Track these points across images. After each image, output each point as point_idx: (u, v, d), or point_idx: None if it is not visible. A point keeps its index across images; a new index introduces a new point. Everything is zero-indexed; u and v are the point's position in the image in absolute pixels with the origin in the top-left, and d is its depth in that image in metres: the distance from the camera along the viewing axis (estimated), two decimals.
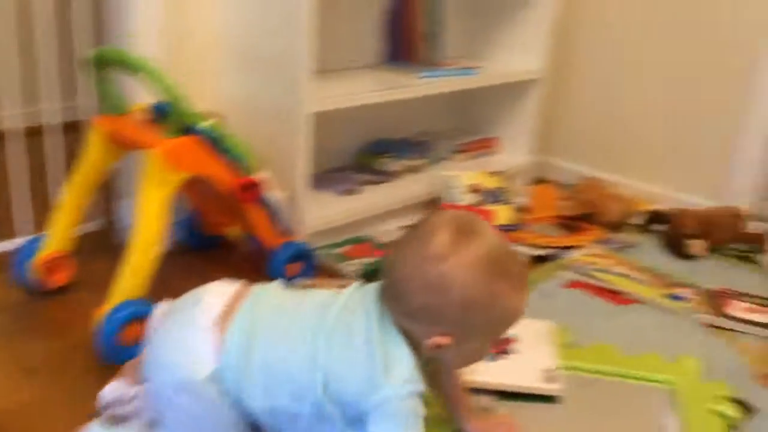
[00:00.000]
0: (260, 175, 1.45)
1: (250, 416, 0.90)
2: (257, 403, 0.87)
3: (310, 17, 1.47)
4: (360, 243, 1.77)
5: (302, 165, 1.60)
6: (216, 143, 1.36)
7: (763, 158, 1.87)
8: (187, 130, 1.32)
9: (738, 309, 1.46)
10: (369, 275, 1.61)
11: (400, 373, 0.84)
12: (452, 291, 0.81)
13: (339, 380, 0.85)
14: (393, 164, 2.01)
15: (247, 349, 0.87)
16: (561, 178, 2.28)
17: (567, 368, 1.24)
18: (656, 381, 1.23)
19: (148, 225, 1.28)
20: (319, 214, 1.74)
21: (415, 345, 0.86)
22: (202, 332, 0.88)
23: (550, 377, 1.19)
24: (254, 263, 1.58)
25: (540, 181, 2.27)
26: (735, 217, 1.80)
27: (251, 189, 1.43)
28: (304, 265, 1.55)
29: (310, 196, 1.78)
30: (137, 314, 1.22)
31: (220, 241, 1.73)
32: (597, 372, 1.25)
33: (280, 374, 0.87)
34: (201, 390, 0.86)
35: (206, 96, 1.70)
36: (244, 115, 1.68)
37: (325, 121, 1.91)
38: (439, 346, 0.85)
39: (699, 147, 2.01)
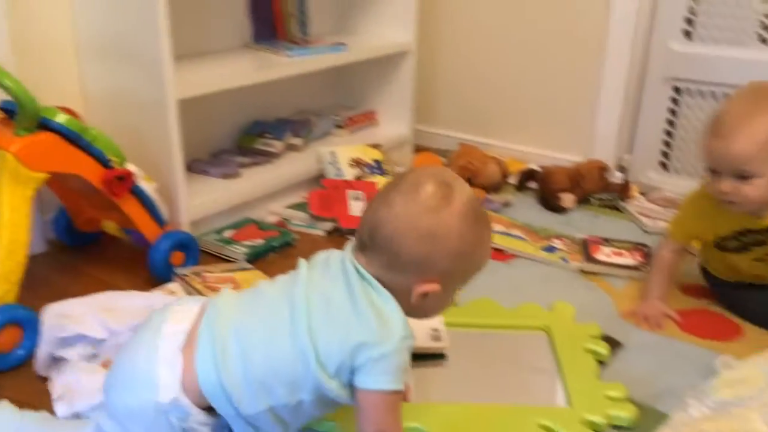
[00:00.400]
0: (128, 167, 1.40)
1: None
2: (252, 409, 0.85)
3: (164, 3, 1.43)
4: (246, 226, 1.76)
5: (175, 153, 1.56)
6: (75, 138, 1.31)
7: (621, 114, 2.00)
8: (41, 127, 1.27)
9: (604, 254, 1.57)
10: (258, 257, 1.61)
11: (396, 329, 0.85)
12: (446, 240, 0.86)
13: (334, 354, 0.84)
14: (273, 145, 2.00)
15: (223, 362, 0.85)
16: (441, 146, 2.34)
17: (452, 325, 1.29)
18: (534, 328, 1.31)
19: (12, 228, 1.22)
20: (200, 200, 1.71)
21: (398, 297, 0.88)
22: (165, 360, 0.85)
23: (435, 336, 1.24)
24: (136, 256, 1.54)
25: (421, 149, 2.32)
26: (600, 169, 1.93)
27: (120, 182, 1.39)
28: (187, 253, 1.53)
29: (188, 182, 1.75)
30: (12, 320, 1.18)
31: (98, 236, 1.67)
32: (479, 326, 1.31)
33: (266, 373, 0.85)
34: (158, 419, 0.84)
35: (67, 91, 1.64)
36: (110, 107, 1.63)
37: (200, 106, 1.87)
38: (425, 294, 0.88)
39: (564, 107, 2.12)
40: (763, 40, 1.74)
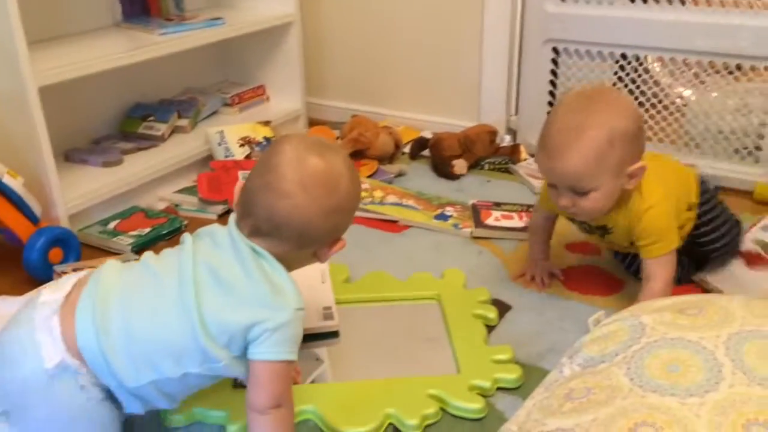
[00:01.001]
0: None
1: (132, 405, 0.87)
2: (135, 382, 0.84)
3: None
4: (133, 215, 1.69)
5: (43, 144, 1.47)
6: None
7: (506, 77, 2.03)
8: None
9: (493, 218, 1.60)
10: (145, 246, 1.55)
11: (291, 300, 0.87)
12: (350, 205, 0.93)
13: (225, 325, 0.84)
14: (157, 127, 1.93)
15: (104, 331, 0.82)
16: (335, 118, 2.32)
17: (344, 303, 1.29)
18: (426, 298, 1.32)
19: None
20: (80, 191, 1.63)
21: (300, 262, 0.94)
22: (42, 325, 0.83)
23: (327, 314, 1.23)
24: (13, 256, 1.46)
25: (314, 123, 2.29)
26: (490, 133, 1.95)
27: None
28: (66, 249, 1.45)
29: (66, 173, 1.67)
30: None
31: None
32: (372, 300, 1.32)
33: (151, 346, 0.84)
34: (52, 386, 0.81)
35: None
36: None
37: (74, 91, 1.78)
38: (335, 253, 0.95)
39: (451, 72, 2.13)
40: None
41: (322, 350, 1.18)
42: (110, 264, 0.92)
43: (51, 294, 0.87)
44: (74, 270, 1.38)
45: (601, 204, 1.16)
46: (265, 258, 0.88)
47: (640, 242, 1.20)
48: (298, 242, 0.90)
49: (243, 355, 0.88)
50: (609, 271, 1.44)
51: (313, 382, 1.13)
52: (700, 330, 0.84)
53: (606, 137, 1.09)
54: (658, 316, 0.90)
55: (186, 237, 0.92)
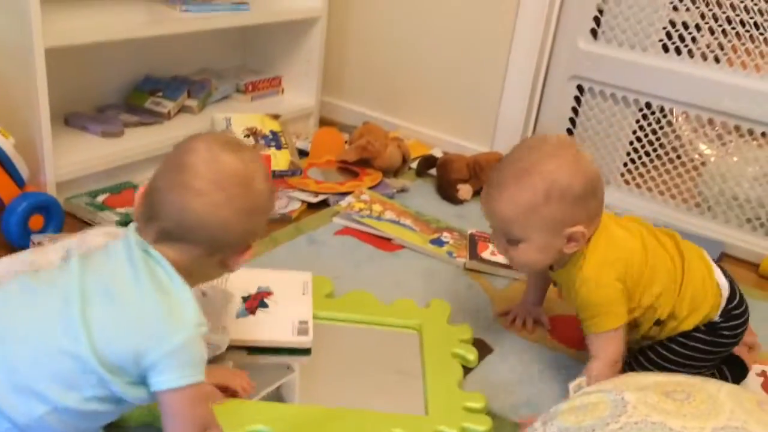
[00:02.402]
0: None
1: None
2: (25, 418, 0.76)
3: None
4: (124, 191, 1.65)
5: (41, 105, 1.42)
6: None
7: (525, 107, 1.98)
8: None
9: (489, 251, 1.55)
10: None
11: (189, 317, 0.80)
12: (263, 208, 0.88)
13: (116, 349, 0.77)
14: (164, 104, 1.88)
15: None
16: (347, 120, 2.27)
17: (322, 319, 1.25)
18: (406, 327, 1.27)
19: None
20: (73, 159, 1.59)
21: (207, 274, 0.90)
22: None
23: (303, 329, 1.18)
24: None
25: (325, 123, 2.24)
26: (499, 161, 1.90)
27: None
28: (47, 218, 1.41)
29: (62, 139, 1.62)
30: None
31: None
32: (350, 321, 1.27)
33: (37, 376, 0.76)
34: None
35: None
36: None
37: (85, 55, 1.73)
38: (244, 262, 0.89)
39: (472, 94, 2.08)
40: (665, 49, 1.74)
41: (294, 359, 1.14)
42: None
43: None
44: (51, 240, 1.33)
45: (533, 259, 1.09)
46: (161, 264, 0.81)
47: (579, 315, 1.12)
48: (209, 247, 0.84)
49: (141, 382, 0.79)
50: None
51: (278, 389, 1.09)
52: (685, 418, 0.79)
53: (543, 189, 1.02)
54: (642, 395, 0.84)
55: (71, 253, 0.87)
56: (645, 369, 1.15)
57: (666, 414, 0.80)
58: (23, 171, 1.38)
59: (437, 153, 2.03)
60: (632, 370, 1.16)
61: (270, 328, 1.18)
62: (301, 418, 1.02)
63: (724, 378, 1.20)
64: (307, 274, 1.32)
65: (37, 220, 1.39)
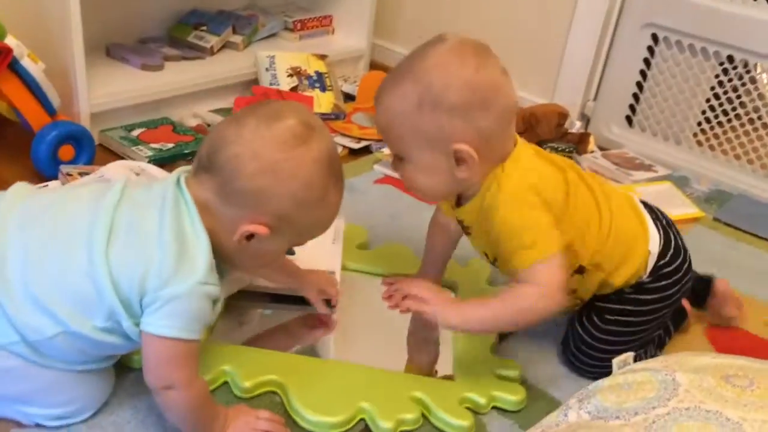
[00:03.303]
0: (7, 41, 1.22)
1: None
2: (36, 335, 0.74)
3: None
4: (160, 126, 1.59)
5: (75, 32, 1.36)
6: None
7: (592, 57, 1.82)
8: None
9: None
10: (163, 162, 1.45)
11: (196, 271, 0.76)
12: (289, 181, 0.78)
13: (125, 283, 0.75)
14: (208, 39, 1.80)
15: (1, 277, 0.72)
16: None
17: (352, 270, 1.17)
18: (442, 285, 1.17)
19: None
20: (109, 90, 1.54)
21: (219, 236, 0.79)
22: None
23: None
24: (24, 146, 1.37)
25: (376, 68, 2.13)
26: (559, 115, 1.76)
27: None
28: (78, 148, 1.36)
29: (100, 69, 1.57)
30: None
31: None
32: (382, 275, 1.18)
33: (56, 293, 0.74)
34: None
35: None
36: None
37: None
38: (250, 236, 0.79)
39: (533, 40, 1.92)
40: None
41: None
42: (14, 194, 0.81)
43: None
44: (81, 174, 1.29)
45: (421, 182, 0.91)
46: (191, 213, 0.78)
47: (502, 253, 0.91)
48: (222, 180, 0.78)
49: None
50: None
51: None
52: (745, 409, 0.68)
53: (416, 95, 0.85)
54: (697, 377, 0.74)
55: (119, 179, 0.84)
56: (576, 336, 1.03)
57: (723, 402, 0.69)
58: (54, 99, 1.33)
59: None
60: (565, 341, 1.05)
61: None
62: (320, 373, 0.95)
63: (668, 332, 1.10)
64: (339, 221, 1.23)
65: (67, 150, 1.35)
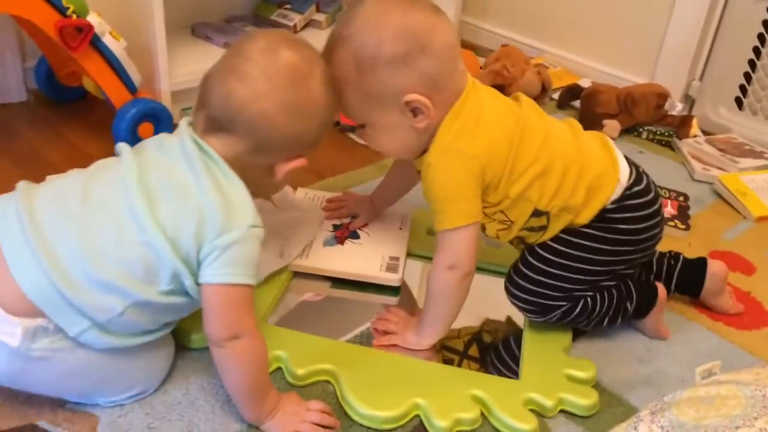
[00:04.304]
0: (89, 19, 1.24)
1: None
2: (107, 314, 0.73)
3: None
4: None
5: (157, 9, 1.37)
6: None
7: (699, 32, 1.66)
8: None
9: None
10: None
11: (245, 216, 0.76)
12: (316, 113, 0.80)
13: (182, 240, 0.74)
14: (291, 17, 1.79)
15: (56, 271, 0.71)
16: (486, 44, 2.06)
17: (418, 257, 1.12)
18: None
19: None
20: (190, 69, 1.53)
21: (254, 177, 0.80)
22: None
23: (391, 266, 1.06)
24: (109, 122, 1.40)
25: (464, 46, 2.04)
26: (658, 96, 1.62)
27: (78, 34, 1.23)
28: (157, 126, 1.37)
29: (184, 48, 1.59)
30: None
31: (84, 93, 1.54)
32: None
33: (117, 273, 0.73)
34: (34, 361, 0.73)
35: None
36: None
37: None
38: (293, 171, 0.82)
39: (632, 16, 1.78)
40: None
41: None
42: (30, 191, 0.78)
43: None
44: None
45: (386, 144, 0.91)
46: (218, 163, 0.77)
47: (430, 208, 0.90)
48: (252, 142, 0.78)
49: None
50: (764, 296, 1.14)
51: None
52: None
53: (351, 59, 0.83)
54: None
55: (122, 148, 0.81)
56: (520, 276, 0.94)
57: None
58: (135, 76, 1.35)
59: (584, 83, 1.78)
60: (509, 277, 0.96)
61: (357, 260, 1.07)
62: (376, 364, 0.90)
63: (630, 297, 0.97)
64: (408, 208, 1.18)
65: (146, 128, 1.36)
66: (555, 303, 0.93)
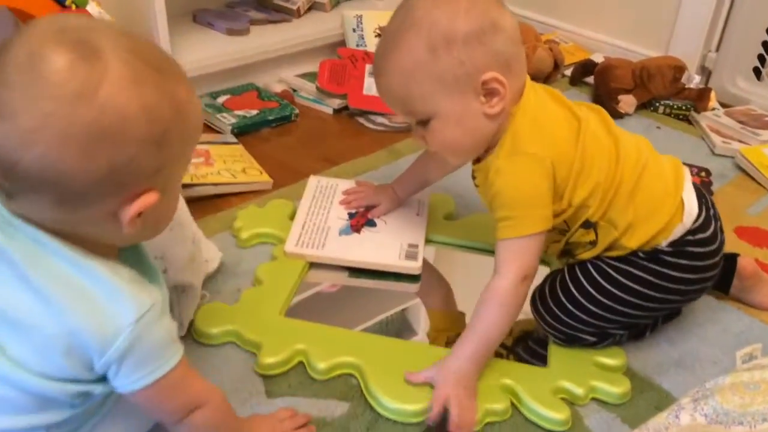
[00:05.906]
0: (87, 8, 1.20)
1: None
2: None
3: None
4: (246, 92, 1.55)
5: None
6: None
7: (713, 3, 1.61)
8: None
9: None
10: (247, 130, 1.41)
11: (125, 315, 0.58)
12: (129, 130, 0.54)
13: (53, 369, 0.58)
14: (294, 0, 1.74)
15: None
16: None
17: (437, 243, 1.09)
18: None
19: None
20: (195, 56, 1.50)
21: (100, 235, 0.60)
22: None
23: (410, 254, 1.03)
24: None
25: None
26: (675, 69, 1.58)
27: None
28: None
29: (185, 35, 1.55)
30: None
31: None
32: (469, 247, 1.09)
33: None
34: None
35: None
36: None
37: None
38: (140, 214, 0.58)
39: None
40: None
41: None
42: None
43: None
44: None
45: (451, 136, 0.84)
46: (61, 257, 0.58)
47: (494, 216, 0.84)
48: (51, 194, 0.55)
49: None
50: None
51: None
52: None
53: (424, 41, 0.78)
54: None
55: None
56: (554, 302, 0.89)
57: None
58: None
59: (597, 59, 1.73)
60: (542, 296, 0.90)
61: (374, 249, 1.04)
62: (400, 355, 0.88)
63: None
64: (424, 193, 1.15)
65: None
66: (583, 336, 0.88)
